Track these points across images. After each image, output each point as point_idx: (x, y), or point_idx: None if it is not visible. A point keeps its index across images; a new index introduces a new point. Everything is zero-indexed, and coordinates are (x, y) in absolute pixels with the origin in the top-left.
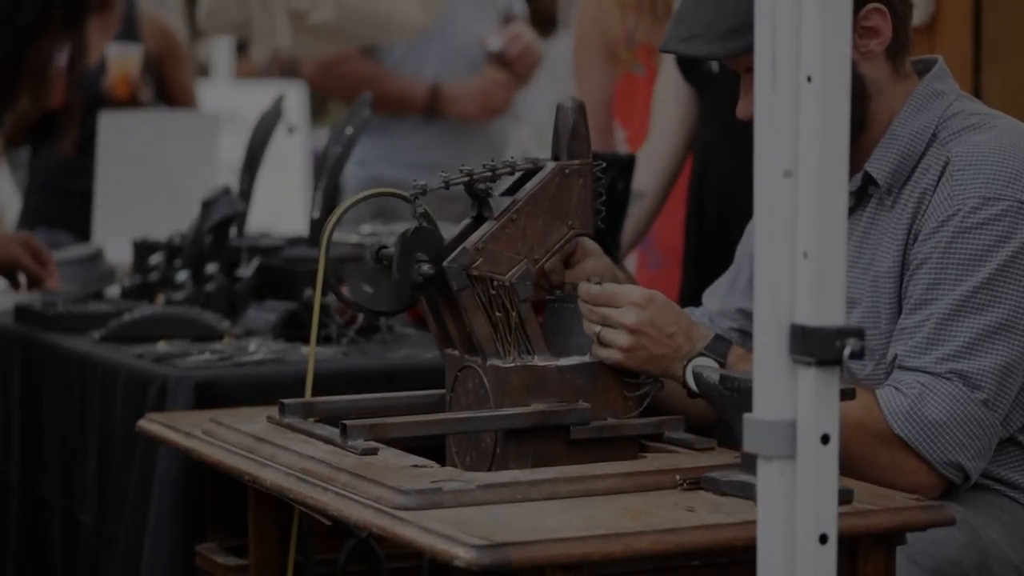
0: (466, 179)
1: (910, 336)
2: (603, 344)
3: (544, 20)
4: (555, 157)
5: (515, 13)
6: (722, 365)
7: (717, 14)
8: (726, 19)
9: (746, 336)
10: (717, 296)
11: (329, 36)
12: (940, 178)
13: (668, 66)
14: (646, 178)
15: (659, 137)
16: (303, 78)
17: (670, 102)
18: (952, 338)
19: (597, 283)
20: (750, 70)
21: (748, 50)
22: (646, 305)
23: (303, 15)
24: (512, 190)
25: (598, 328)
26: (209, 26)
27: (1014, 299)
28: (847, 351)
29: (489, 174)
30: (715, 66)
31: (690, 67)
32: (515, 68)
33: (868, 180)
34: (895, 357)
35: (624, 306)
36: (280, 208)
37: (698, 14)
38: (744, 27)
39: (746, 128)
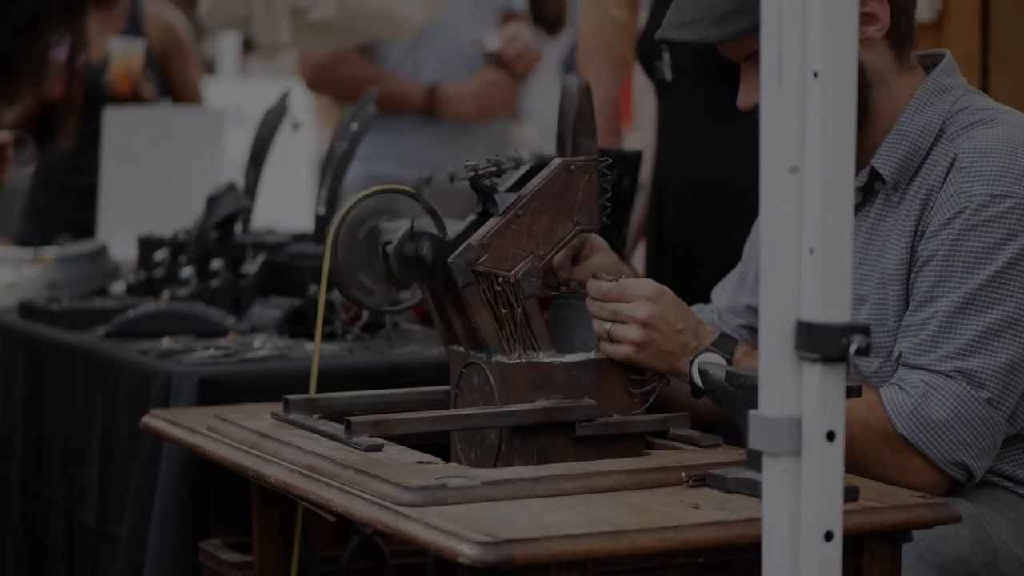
0: (471, 174)
1: (915, 333)
2: (613, 340)
3: (551, 19)
4: (560, 139)
5: (516, 11)
6: (728, 362)
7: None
8: (723, 3)
9: (755, 333)
10: (726, 292)
11: (330, 33)
12: (947, 174)
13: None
14: (644, 169)
15: (648, 128)
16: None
17: (647, 92)
18: (957, 336)
19: (607, 279)
20: (748, 58)
21: (744, 32)
22: (657, 300)
23: (304, 12)
24: (517, 186)
25: (608, 325)
26: (211, 23)
27: (1020, 297)
28: (852, 347)
29: (494, 169)
30: (668, 73)
31: (649, 67)
32: (513, 68)
33: (875, 176)
34: (900, 354)
35: (636, 300)
36: (285, 204)
37: (697, 0)
38: (740, 10)
39: (700, 131)
